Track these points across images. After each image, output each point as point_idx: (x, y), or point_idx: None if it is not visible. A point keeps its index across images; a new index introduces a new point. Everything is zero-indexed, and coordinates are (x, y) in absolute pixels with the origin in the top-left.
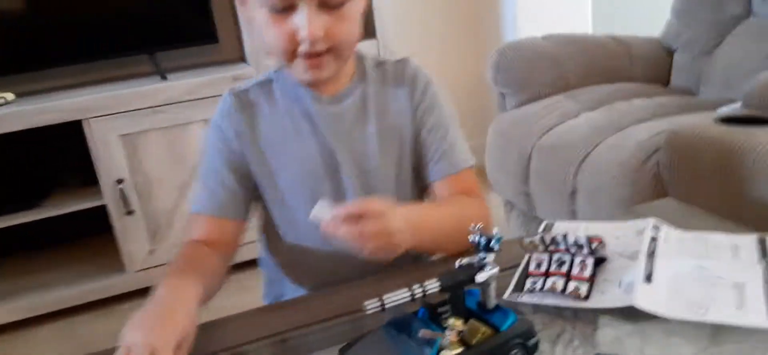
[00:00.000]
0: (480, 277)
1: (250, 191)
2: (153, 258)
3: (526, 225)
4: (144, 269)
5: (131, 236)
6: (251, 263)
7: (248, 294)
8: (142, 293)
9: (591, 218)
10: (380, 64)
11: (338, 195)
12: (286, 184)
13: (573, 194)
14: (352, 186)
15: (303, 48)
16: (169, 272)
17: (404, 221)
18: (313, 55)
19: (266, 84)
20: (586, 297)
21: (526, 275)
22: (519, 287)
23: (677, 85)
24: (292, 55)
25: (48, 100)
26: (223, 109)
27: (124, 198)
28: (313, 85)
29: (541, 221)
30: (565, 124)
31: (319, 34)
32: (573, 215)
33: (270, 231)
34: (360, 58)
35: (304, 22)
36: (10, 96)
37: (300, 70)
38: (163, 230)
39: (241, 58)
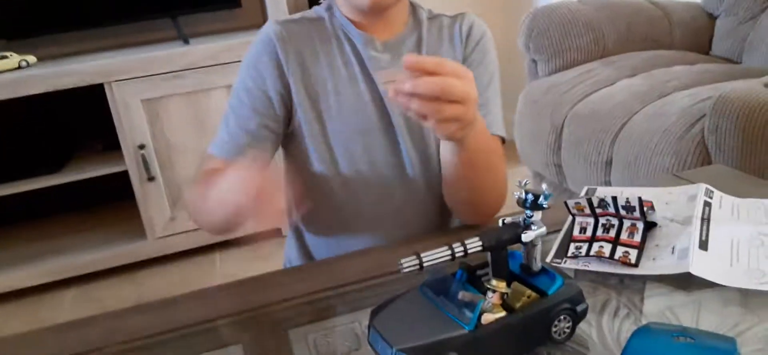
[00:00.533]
0: (526, 236)
1: (276, 141)
2: (174, 225)
3: (557, 198)
4: (165, 236)
5: (152, 203)
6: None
7: (267, 262)
8: (163, 259)
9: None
10: (435, 17)
11: (393, 152)
12: (335, 134)
13: (608, 164)
14: (406, 143)
15: None
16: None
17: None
18: None
19: (316, 21)
20: (636, 264)
21: (569, 239)
22: (561, 253)
23: (719, 52)
24: None
25: (70, 64)
26: (264, 42)
27: (145, 164)
28: (373, 11)
29: (571, 193)
30: (601, 91)
31: None
32: (607, 186)
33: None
34: (414, 6)
35: None
36: (32, 59)
37: None
38: (184, 197)
39: (264, 23)
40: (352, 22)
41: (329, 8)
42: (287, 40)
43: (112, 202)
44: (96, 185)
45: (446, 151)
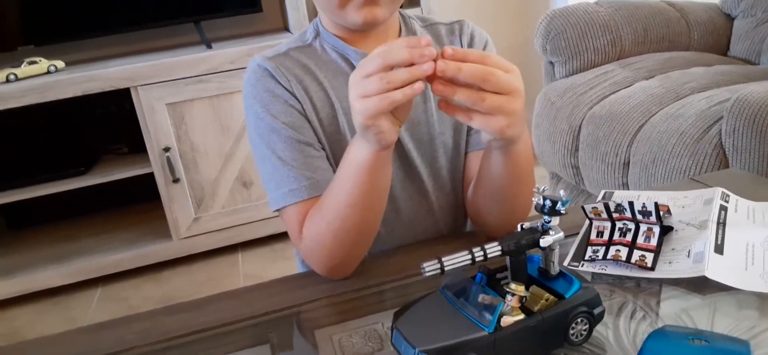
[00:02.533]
0: (544, 241)
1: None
2: (197, 226)
3: (574, 199)
4: (189, 237)
5: (177, 204)
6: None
7: (289, 263)
8: (187, 259)
9: (645, 190)
10: (431, 24)
11: (402, 166)
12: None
13: (625, 165)
14: (415, 157)
15: None
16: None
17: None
18: None
19: (306, 48)
20: (652, 267)
21: (586, 243)
22: (579, 256)
23: (737, 53)
24: None
25: (97, 68)
26: (264, 73)
27: (170, 166)
28: (366, 28)
29: (588, 194)
30: (619, 93)
31: None
32: (624, 188)
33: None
34: (405, 18)
35: None
36: (60, 64)
37: (353, 11)
38: (207, 198)
39: (285, 28)
40: (343, 39)
41: (316, 32)
42: (284, 72)
43: (138, 203)
44: (122, 187)
45: (490, 162)
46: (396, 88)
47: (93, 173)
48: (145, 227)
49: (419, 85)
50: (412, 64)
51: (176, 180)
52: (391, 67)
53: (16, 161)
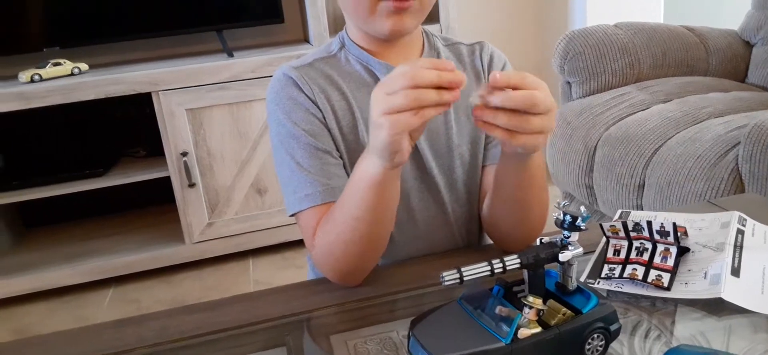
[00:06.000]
0: (563, 256)
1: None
2: (211, 231)
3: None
4: (201, 242)
5: (192, 208)
6: (301, 242)
7: (299, 271)
8: (199, 264)
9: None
10: (453, 44)
11: (420, 177)
12: None
13: (640, 187)
14: (433, 168)
15: None
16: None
17: None
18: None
19: (331, 58)
20: (668, 287)
21: (603, 260)
22: (595, 273)
23: (755, 80)
24: (375, 1)
25: (120, 72)
26: (288, 81)
27: (187, 171)
28: (393, 37)
29: (602, 215)
30: (636, 115)
31: None
32: (639, 210)
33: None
34: (428, 35)
35: None
36: (84, 66)
37: (381, 18)
38: (221, 204)
39: (305, 39)
40: (368, 51)
41: (341, 43)
42: (307, 81)
43: (153, 206)
44: (138, 189)
45: (507, 171)
46: (424, 108)
47: (111, 175)
48: (159, 229)
49: (446, 106)
50: (439, 86)
51: (192, 185)
52: (418, 86)
53: (35, 160)
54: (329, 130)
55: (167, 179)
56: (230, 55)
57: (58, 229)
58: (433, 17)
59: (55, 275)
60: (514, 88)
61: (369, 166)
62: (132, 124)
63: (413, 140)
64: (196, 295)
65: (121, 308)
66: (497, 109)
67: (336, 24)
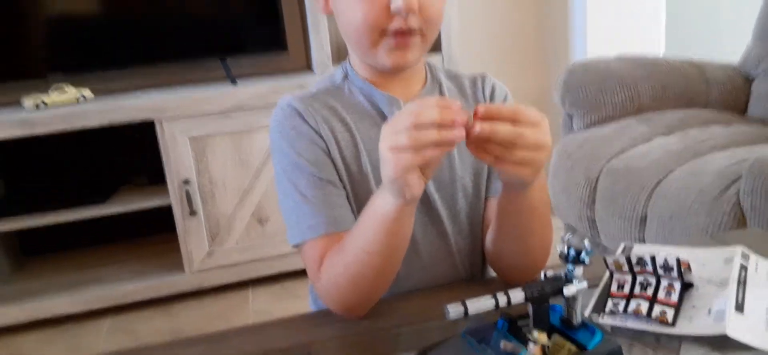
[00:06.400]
0: (568, 290)
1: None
2: (211, 260)
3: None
4: (201, 271)
5: (192, 237)
6: (302, 272)
7: (298, 301)
8: (198, 294)
9: (664, 245)
10: (455, 76)
11: (424, 210)
12: (369, 194)
13: (643, 220)
14: (436, 200)
15: (395, 24)
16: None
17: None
18: (403, 33)
19: (335, 90)
20: (673, 323)
21: (607, 294)
22: (599, 307)
23: (755, 114)
24: (379, 34)
25: (124, 99)
26: (292, 112)
27: (188, 199)
28: (395, 71)
29: (605, 248)
30: (637, 148)
31: (415, 6)
32: (641, 243)
33: None
34: (432, 67)
35: None
36: (88, 94)
37: (384, 52)
38: (222, 233)
39: (308, 68)
40: (371, 82)
41: (345, 74)
42: (311, 112)
43: (153, 234)
44: (139, 217)
45: (508, 201)
46: (426, 146)
47: (111, 203)
48: (159, 258)
49: (450, 146)
50: (442, 125)
51: (193, 213)
52: (421, 125)
53: (36, 187)
54: (333, 161)
55: (168, 207)
56: (234, 82)
57: (57, 257)
58: (435, 48)
59: (52, 304)
60: (506, 121)
61: (383, 203)
62: (134, 152)
63: (426, 177)
64: (195, 325)
65: (118, 339)
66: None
67: (339, 53)
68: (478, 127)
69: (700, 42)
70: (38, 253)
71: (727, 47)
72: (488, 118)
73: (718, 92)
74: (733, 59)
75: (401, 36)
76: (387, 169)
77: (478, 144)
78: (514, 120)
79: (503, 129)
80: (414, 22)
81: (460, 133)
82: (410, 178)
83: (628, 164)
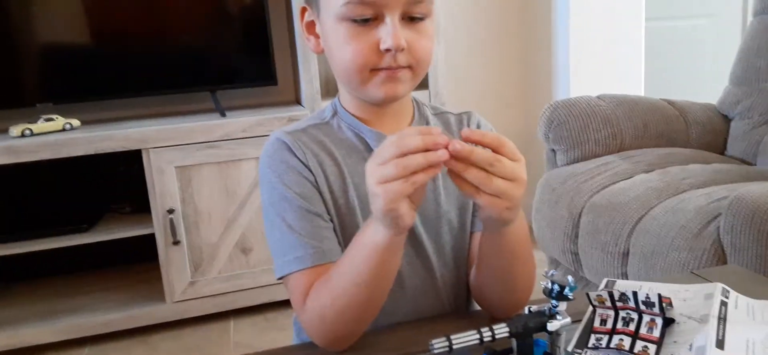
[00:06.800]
0: (552, 325)
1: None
2: (192, 290)
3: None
4: (183, 300)
5: (174, 267)
6: (285, 303)
7: (281, 334)
8: (179, 324)
9: (644, 281)
10: (441, 113)
11: (411, 243)
12: (355, 228)
13: (625, 255)
14: (422, 234)
15: (385, 62)
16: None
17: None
18: (393, 69)
19: (324, 125)
20: None
21: (590, 330)
22: (582, 343)
23: (734, 153)
24: (369, 72)
25: (111, 129)
26: (282, 146)
27: (172, 228)
28: (386, 103)
29: (587, 282)
30: (619, 184)
31: (404, 44)
32: (624, 277)
33: None
34: (419, 104)
35: (390, 30)
36: (76, 122)
37: (375, 86)
38: (205, 262)
39: (297, 102)
40: (360, 119)
41: (334, 111)
42: (300, 146)
43: (135, 263)
44: (121, 246)
45: (489, 242)
46: (414, 173)
47: (94, 231)
48: (140, 287)
49: (436, 169)
50: (426, 150)
51: (176, 242)
52: (406, 154)
53: (18, 215)
54: (321, 194)
55: (152, 236)
56: (223, 114)
57: (38, 284)
58: (421, 84)
59: (30, 333)
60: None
61: (373, 234)
62: (119, 180)
63: (415, 205)
64: None
65: None
66: (467, 163)
67: (328, 87)
68: (458, 145)
69: (677, 83)
70: (19, 280)
71: (705, 89)
72: (471, 141)
73: (698, 132)
74: (711, 100)
75: (391, 70)
76: (377, 204)
77: (457, 169)
78: (495, 148)
79: (481, 151)
80: (403, 60)
81: (444, 153)
82: (401, 208)
83: (610, 200)
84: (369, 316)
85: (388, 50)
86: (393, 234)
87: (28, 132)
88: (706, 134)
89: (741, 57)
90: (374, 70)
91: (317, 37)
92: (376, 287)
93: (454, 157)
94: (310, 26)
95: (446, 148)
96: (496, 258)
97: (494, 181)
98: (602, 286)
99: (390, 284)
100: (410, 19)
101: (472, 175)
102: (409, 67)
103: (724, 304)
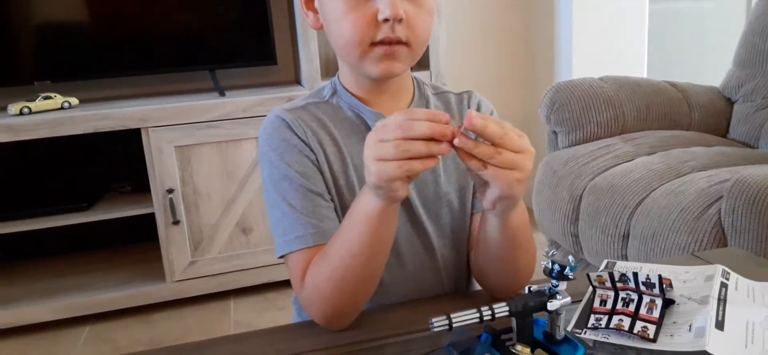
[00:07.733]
0: (552, 305)
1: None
2: (192, 269)
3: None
4: (182, 280)
5: (174, 246)
6: (285, 283)
7: (281, 313)
8: (178, 303)
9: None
10: (441, 92)
11: (410, 221)
12: None
13: (625, 237)
14: (422, 214)
15: (382, 33)
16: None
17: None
18: (391, 42)
19: (324, 104)
20: (654, 339)
21: (590, 310)
22: (582, 323)
23: (736, 136)
24: (368, 45)
25: (111, 107)
26: (282, 123)
27: (172, 207)
28: (383, 79)
29: (587, 264)
30: (620, 166)
31: (402, 14)
32: (624, 259)
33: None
34: (419, 83)
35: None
36: (74, 101)
37: (372, 62)
38: (205, 242)
39: (297, 81)
40: (359, 98)
41: (334, 90)
42: (300, 124)
43: (135, 242)
44: (121, 225)
45: (490, 228)
46: (412, 159)
47: (94, 210)
48: (140, 267)
49: (435, 160)
50: (431, 138)
51: (176, 222)
52: (409, 138)
53: (19, 193)
54: (321, 173)
55: (151, 216)
56: (222, 94)
57: (38, 263)
58: (423, 64)
59: (30, 311)
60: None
61: (366, 203)
62: (119, 159)
63: (410, 180)
64: (175, 335)
65: (96, 348)
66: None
67: (328, 67)
68: (464, 139)
69: (680, 65)
70: (19, 258)
71: (707, 71)
72: (475, 124)
73: (701, 114)
74: (714, 82)
75: (389, 45)
76: (370, 178)
77: (467, 148)
78: (497, 139)
79: (493, 125)
80: (401, 33)
81: (447, 147)
82: (394, 183)
83: (611, 182)
84: (367, 289)
85: (386, 20)
86: (386, 204)
87: (26, 110)
88: (708, 117)
89: (745, 39)
90: (373, 44)
91: (316, 12)
92: (371, 256)
93: (466, 137)
94: (309, 1)
95: (451, 141)
96: (495, 244)
97: (503, 153)
98: (602, 266)
99: (386, 254)
100: None
101: (482, 150)
102: (407, 43)
103: (724, 286)
